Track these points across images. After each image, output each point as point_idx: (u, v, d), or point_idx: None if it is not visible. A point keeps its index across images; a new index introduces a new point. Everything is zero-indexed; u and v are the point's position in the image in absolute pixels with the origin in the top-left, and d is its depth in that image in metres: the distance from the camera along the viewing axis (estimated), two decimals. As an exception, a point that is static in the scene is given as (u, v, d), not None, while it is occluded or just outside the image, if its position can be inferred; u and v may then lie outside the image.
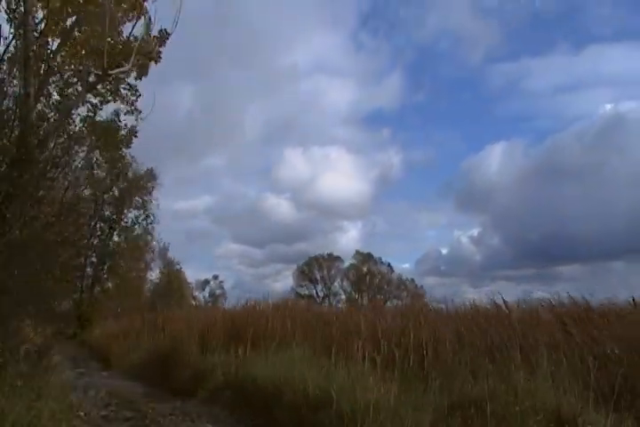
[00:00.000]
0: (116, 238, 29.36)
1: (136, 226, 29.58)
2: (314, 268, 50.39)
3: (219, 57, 66.60)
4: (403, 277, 49.13)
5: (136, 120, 10.84)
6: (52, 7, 8.42)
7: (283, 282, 53.28)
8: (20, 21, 7.67)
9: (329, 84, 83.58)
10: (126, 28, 9.40)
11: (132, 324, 14.98)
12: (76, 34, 9.34)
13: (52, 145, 7.32)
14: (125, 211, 29.28)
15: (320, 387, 5.15)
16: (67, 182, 8.16)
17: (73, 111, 9.41)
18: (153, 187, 29.27)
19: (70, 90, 10.00)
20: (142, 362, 10.32)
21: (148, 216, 29.46)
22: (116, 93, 10.46)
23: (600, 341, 5.13)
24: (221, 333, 9.03)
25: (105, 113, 11.38)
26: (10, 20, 8.36)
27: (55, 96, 9.74)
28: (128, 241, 29.05)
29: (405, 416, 4.27)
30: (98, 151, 13.01)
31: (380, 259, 49.90)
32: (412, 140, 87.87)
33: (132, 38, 8.96)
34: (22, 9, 7.58)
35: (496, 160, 70.20)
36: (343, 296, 49.55)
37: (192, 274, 45.41)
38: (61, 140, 7.87)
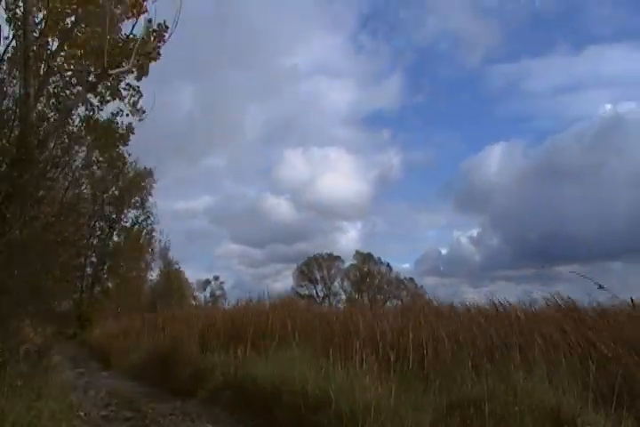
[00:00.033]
0: (115, 238, 29.42)
1: (136, 226, 29.61)
2: (313, 268, 50.41)
3: (219, 57, 66.67)
4: (402, 276, 49.20)
5: (139, 120, 10.84)
6: (52, 7, 8.42)
7: (283, 282, 53.23)
8: (20, 21, 7.68)
9: (329, 85, 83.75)
10: (126, 27, 9.40)
11: (132, 324, 14.98)
12: (76, 34, 9.35)
13: (51, 145, 7.32)
14: (125, 210, 29.32)
15: (319, 387, 5.15)
16: (67, 182, 8.17)
17: (73, 111, 9.42)
18: (152, 186, 29.30)
19: (70, 90, 10.00)
20: (142, 362, 10.32)
21: (148, 216, 29.51)
22: (115, 94, 10.46)
23: (599, 341, 5.14)
24: (221, 333, 9.04)
25: (105, 113, 11.39)
26: (10, 21, 8.37)
27: (55, 96, 9.74)
28: (128, 241, 29.05)
29: (405, 416, 4.28)
30: (97, 151, 13.00)
31: (380, 259, 50.00)
32: (411, 140, 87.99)
33: (131, 37, 8.95)
34: (22, 9, 7.59)
35: (495, 161, 70.33)
36: (343, 296, 49.61)
37: (192, 274, 45.45)
38: (61, 140, 7.88)
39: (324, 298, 49.37)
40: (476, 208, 67.61)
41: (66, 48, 9.51)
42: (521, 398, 4.19)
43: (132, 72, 9.77)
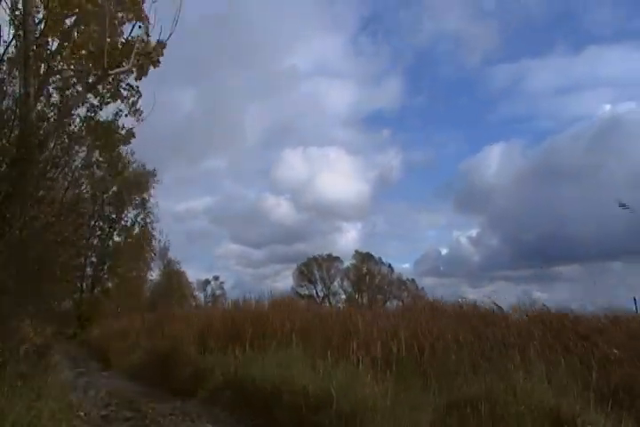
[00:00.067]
0: (116, 238, 29.42)
1: (136, 225, 29.61)
2: (313, 268, 50.41)
3: (219, 58, 66.66)
4: (403, 277, 49.19)
5: (137, 121, 10.84)
6: (52, 7, 8.42)
7: (282, 282, 53.26)
8: (20, 22, 7.68)
9: (329, 86, 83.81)
10: (126, 28, 9.41)
11: (132, 324, 14.98)
12: (76, 34, 9.35)
13: (51, 145, 7.32)
14: (125, 210, 29.32)
15: (319, 387, 5.16)
16: (66, 182, 8.16)
17: (73, 111, 9.42)
18: (152, 186, 29.30)
19: (70, 90, 10.00)
20: (142, 362, 10.32)
21: (147, 216, 29.49)
22: (115, 94, 10.45)
23: (599, 342, 5.14)
24: (221, 332, 9.03)
25: (105, 113, 11.38)
26: (10, 21, 8.36)
27: (55, 96, 9.74)
28: (128, 241, 29.04)
29: (403, 415, 4.28)
30: (98, 151, 13.01)
31: (381, 259, 49.98)
32: (411, 141, 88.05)
33: (131, 39, 8.96)
34: (22, 9, 7.59)
35: (494, 161, 70.39)
36: (343, 296, 49.63)
37: (192, 274, 45.43)
38: (61, 140, 7.87)
39: (323, 298, 49.37)
40: (475, 208, 67.75)
41: (66, 48, 9.51)
42: (520, 397, 4.20)
43: (132, 72, 9.78)
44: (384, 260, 49.97)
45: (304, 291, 49.65)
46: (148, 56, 8.95)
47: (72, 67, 9.79)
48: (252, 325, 8.48)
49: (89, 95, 10.06)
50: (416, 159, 77.83)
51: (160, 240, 30.73)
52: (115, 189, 28.24)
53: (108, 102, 10.70)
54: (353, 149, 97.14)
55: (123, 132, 11.83)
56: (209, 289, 46.80)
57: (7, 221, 6.19)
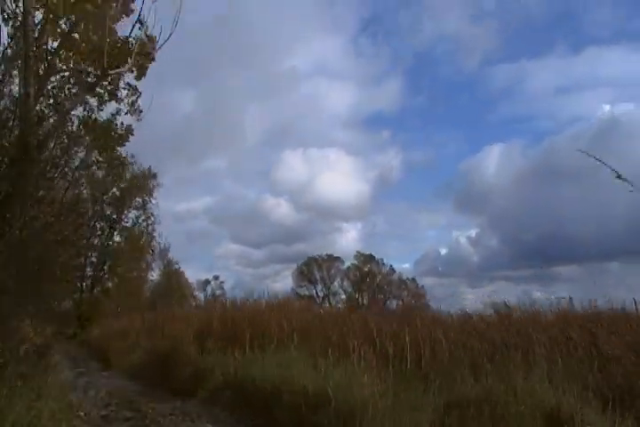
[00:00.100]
0: (116, 238, 29.42)
1: (136, 226, 29.62)
2: (313, 268, 50.41)
3: (219, 59, 66.68)
4: (404, 276, 49.19)
5: (137, 120, 10.82)
6: (51, 6, 8.42)
7: (282, 282, 53.28)
8: (21, 22, 7.68)
9: (329, 87, 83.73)
10: (125, 29, 9.40)
11: (132, 324, 14.98)
12: (75, 34, 9.34)
13: (51, 145, 7.33)
14: (125, 211, 29.32)
15: (319, 387, 5.16)
16: (66, 183, 8.17)
17: (72, 112, 9.42)
18: (153, 187, 29.30)
19: (70, 90, 9.99)
20: (142, 362, 10.32)
21: (148, 217, 29.51)
22: (114, 95, 10.44)
23: (599, 342, 5.14)
24: (220, 332, 9.04)
25: (105, 113, 11.37)
26: (10, 21, 8.37)
27: (54, 97, 9.73)
28: (128, 241, 29.05)
29: (403, 415, 4.28)
30: (97, 151, 13.00)
31: (382, 260, 49.99)
32: (411, 141, 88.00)
33: (130, 39, 8.95)
34: (22, 9, 7.59)
35: (494, 161, 70.31)
36: (343, 296, 49.64)
37: (192, 274, 45.55)
38: (60, 140, 7.88)
39: (323, 298, 49.36)
40: (474, 209, 67.69)
41: (65, 48, 9.50)
42: (521, 398, 4.19)
43: (132, 71, 9.77)
44: (385, 261, 50.08)
45: (304, 291, 49.70)
46: (148, 56, 8.95)
47: (71, 66, 9.79)
48: (252, 325, 8.48)
49: (88, 96, 10.05)
50: (416, 159, 77.93)
51: (160, 242, 30.83)
52: (115, 190, 28.28)
53: (107, 101, 10.69)
54: (353, 149, 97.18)
55: (120, 131, 11.81)
56: (209, 289, 46.83)
57: (7, 221, 6.19)
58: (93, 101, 10.59)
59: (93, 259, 28.35)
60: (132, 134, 11.88)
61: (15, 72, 7.38)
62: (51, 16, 8.34)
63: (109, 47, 7.99)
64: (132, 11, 8.76)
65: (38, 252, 6.44)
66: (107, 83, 9.90)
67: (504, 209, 57.74)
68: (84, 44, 9.20)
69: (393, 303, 44.89)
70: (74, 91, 9.83)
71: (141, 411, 6.57)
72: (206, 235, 64.79)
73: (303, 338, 7.33)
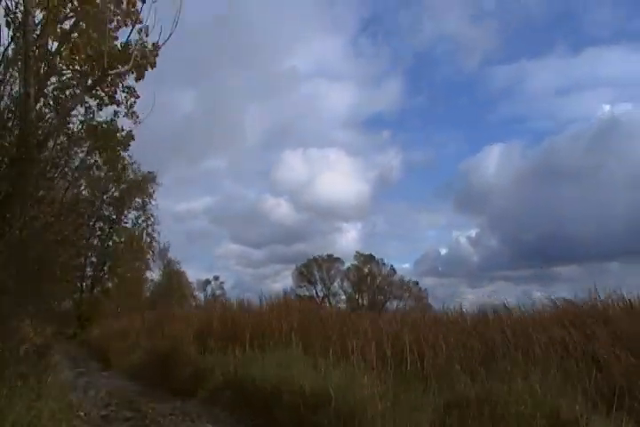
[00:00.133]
0: (116, 239, 29.41)
1: (136, 226, 29.64)
2: (313, 269, 50.40)
3: (219, 59, 66.66)
4: (405, 278, 49.15)
5: (134, 123, 10.80)
6: (51, 7, 8.42)
7: (282, 282, 53.40)
8: (21, 22, 7.68)
9: (329, 87, 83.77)
10: (125, 31, 9.40)
11: (132, 324, 14.98)
12: (75, 35, 9.34)
13: (51, 145, 7.33)
14: (125, 212, 29.33)
15: (319, 387, 5.16)
16: (66, 183, 8.17)
17: (72, 112, 9.41)
18: (153, 189, 29.32)
19: (69, 90, 9.99)
20: (142, 362, 10.32)
21: (148, 218, 29.53)
22: (113, 97, 10.41)
23: (599, 342, 5.14)
24: (220, 332, 9.04)
25: (105, 114, 11.36)
26: (9, 21, 8.36)
27: (54, 97, 9.73)
28: (128, 242, 29.05)
29: (403, 416, 4.28)
30: (97, 152, 13.00)
31: (382, 260, 49.97)
32: (411, 141, 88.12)
33: (130, 42, 8.95)
34: (22, 9, 7.58)
35: (494, 161, 70.31)
36: (343, 297, 49.63)
37: (192, 274, 45.50)
38: (60, 140, 7.88)
39: (323, 299, 49.34)
40: (474, 209, 67.73)
41: (65, 49, 9.50)
42: (520, 398, 4.19)
43: (132, 72, 9.76)
44: (385, 261, 50.05)
45: (304, 292, 49.69)
46: (147, 60, 8.95)
47: (71, 67, 9.79)
48: (251, 325, 8.48)
49: (88, 98, 10.04)
50: (416, 159, 77.93)
51: (159, 242, 30.84)
52: (115, 190, 28.30)
53: (107, 104, 10.67)
54: (353, 149, 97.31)
55: (122, 134, 11.80)
56: (209, 289, 46.83)
57: (7, 221, 6.19)
58: (93, 103, 10.58)
59: (93, 259, 28.38)
60: (133, 139, 11.89)
61: (15, 72, 7.37)
62: (51, 16, 8.34)
63: (109, 48, 7.99)
64: (136, 18, 8.76)
65: (38, 252, 6.44)
66: (106, 84, 9.88)
67: (504, 209, 57.79)
68: (84, 45, 9.19)
69: (393, 304, 44.98)
70: (74, 91, 9.83)
71: (141, 411, 6.57)
72: (206, 235, 64.87)
73: (303, 338, 7.33)
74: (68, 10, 8.83)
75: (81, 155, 10.78)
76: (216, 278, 47.41)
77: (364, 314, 8.74)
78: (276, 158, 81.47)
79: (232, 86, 67.59)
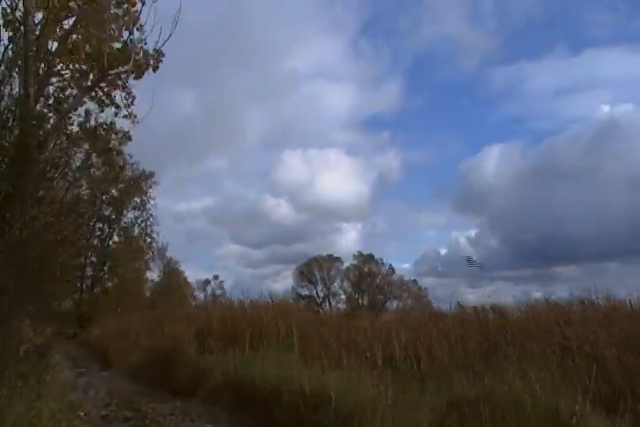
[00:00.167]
0: (115, 239, 29.45)
1: (135, 226, 29.67)
2: (313, 268, 50.40)
3: (219, 60, 66.69)
4: (405, 278, 49.15)
5: (132, 124, 10.79)
6: (52, 7, 8.42)
7: (282, 282, 53.33)
8: (20, 22, 7.68)
9: (329, 89, 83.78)
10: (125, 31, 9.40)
11: (132, 324, 14.97)
12: (75, 35, 9.34)
13: (51, 146, 7.33)
14: (125, 211, 29.36)
15: (318, 387, 5.16)
16: (66, 183, 8.18)
17: (71, 113, 9.41)
18: (150, 186, 29.34)
19: (69, 91, 9.99)
20: (142, 362, 10.32)
21: (147, 218, 29.55)
22: (112, 97, 10.40)
23: (599, 342, 5.14)
24: (220, 332, 9.04)
25: (105, 115, 11.35)
26: (9, 21, 8.36)
27: (54, 98, 9.73)
28: (128, 241, 29.07)
29: (402, 416, 4.28)
30: (97, 153, 13.01)
31: (382, 260, 49.99)
32: (411, 142, 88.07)
33: (130, 42, 8.96)
34: (22, 9, 7.59)
35: (493, 162, 70.23)
36: (343, 297, 49.65)
37: (192, 274, 45.59)
38: (60, 140, 7.88)
39: (323, 299, 49.42)
40: (474, 209, 67.62)
41: (65, 49, 9.49)
42: (520, 398, 4.20)
43: (133, 72, 9.76)
44: (384, 260, 50.07)
45: (304, 291, 49.74)
46: (147, 60, 8.96)
47: (71, 67, 9.78)
48: (251, 325, 8.48)
49: (87, 97, 10.04)
50: (416, 160, 78.04)
51: (158, 242, 30.87)
52: (114, 190, 28.34)
53: (107, 105, 10.66)
54: (353, 150, 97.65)
55: (119, 135, 11.80)
56: (209, 289, 46.86)
57: (7, 221, 6.19)
58: (93, 104, 10.58)
59: (93, 259, 28.40)
60: (130, 140, 11.89)
61: (15, 72, 7.37)
62: (51, 16, 8.34)
63: (109, 48, 8.00)
64: (136, 18, 8.77)
65: (38, 252, 6.44)
66: (105, 84, 9.88)
67: (504, 209, 57.74)
68: (83, 45, 9.19)
69: (393, 304, 45.00)
70: (74, 91, 9.83)
71: (141, 411, 6.57)
72: (206, 235, 64.88)
73: (303, 338, 7.34)
74: (68, 10, 8.82)
75: (80, 155, 10.79)
76: (216, 278, 47.50)
77: (363, 314, 8.72)
78: (276, 159, 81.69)
79: (232, 87, 67.61)
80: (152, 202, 29.37)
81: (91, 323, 22.87)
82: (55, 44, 9.12)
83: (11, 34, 8.22)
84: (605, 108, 65.17)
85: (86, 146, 11.04)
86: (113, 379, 10.02)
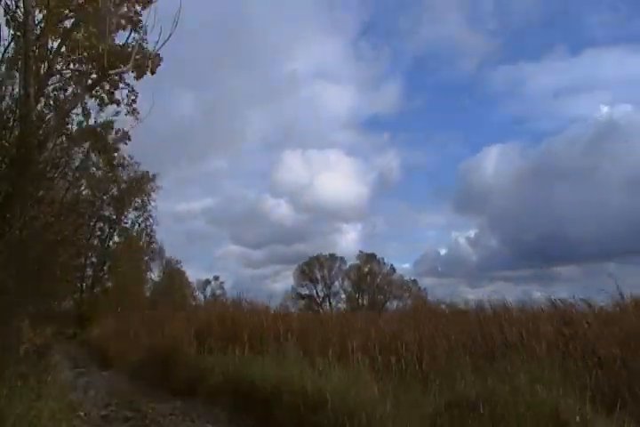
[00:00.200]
0: (116, 239, 29.49)
1: (135, 227, 29.71)
2: (314, 267, 50.41)
3: (219, 61, 66.70)
4: (405, 277, 49.17)
5: (135, 120, 10.80)
6: (52, 7, 8.42)
7: (282, 282, 53.41)
8: (21, 22, 7.69)
9: (329, 90, 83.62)
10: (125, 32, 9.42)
11: (132, 324, 14.97)
12: (75, 34, 9.35)
13: (51, 145, 7.33)
14: (125, 212, 29.38)
15: (318, 387, 5.16)
16: (66, 183, 8.17)
17: (72, 113, 9.43)
18: (152, 189, 29.36)
19: (69, 90, 10.00)
20: (142, 362, 10.32)
21: (147, 218, 29.59)
22: (112, 96, 10.42)
23: (599, 341, 5.14)
24: (220, 332, 9.04)
25: (105, 115, 11.35)
26: (10, 21, 8.37)
27: (54, 97, 9.74)
28: (128, 242, 29.10)
29: (403, 416, 4.28)
30: (96, 153, 13.03)
31: (383, 259, 50.00)
32: (410, 143, 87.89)
33: (130, 43, 8.98)
34: (22, 9, 7.59)
35: (493, 162, 70.14)
36: (343, 296, 49.67)
37: (193, 274, 45.55)
38: (60, 140, 7.89)
39: (324, 298, 49.45)
40: (474, 209, 67.70)
41: (66, 49, 9.50)
42: (521, 397, 4.19)
43: (133, 71, 9.77)
44: (385, 260, 50.08)
45: (304, 291, 49.76)
46: (147, 61, 8.97)
47: (71, 67, 9.80)
48: (251, 326, 8.49)
49: (87, 98, 10.05)
50: (415, 160, 78.18)
51: (159, 241, 30.91)
52: (115, 191, 28.37)
53: (107, 104, 10.67)
54: (353, 151, 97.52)
55: (119, 134, 11.84)
56: (209, 289, 46.86)
57: (7, 221, 6.20)
58: (93, 104, 10.59)
59: (93, 259, 28.43)
60: (130, 139, 11.92)
61: (15, 72, 7.38)
62: (51, 16, 8.35)
63: (110, 47, 8.00)
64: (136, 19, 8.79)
65: (38, 252, 6.44)
66: (106, 83, 9.89)
67: (503, 209, 57.79)
68: (84, 45, 9.20)
69: (393, 304, 45.00)
70: (74, 91, 9.84)
71: (141, 411, 6.57)
72: (206, 235, 64.86)
73: (303, 338, 7.34)
74: (69, 10, 8.83)
75: (80, 155, 10.79)
76: (216, 278, 47.47)
77: (363, 314, 8.73)
78: (276, 159, 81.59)
79: (232, 87, 67.61)
80: (153, 203, 29.46)
81: (91, 323, 22.86)
82: (55, 43, 9.14)
83: (12, 33, 8.23)
84: (605, 109, 65.15)
85: (87, 145, 11.02)
86: (113, 379, 10.02)
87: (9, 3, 8.30)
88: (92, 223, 27.02)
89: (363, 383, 4.94)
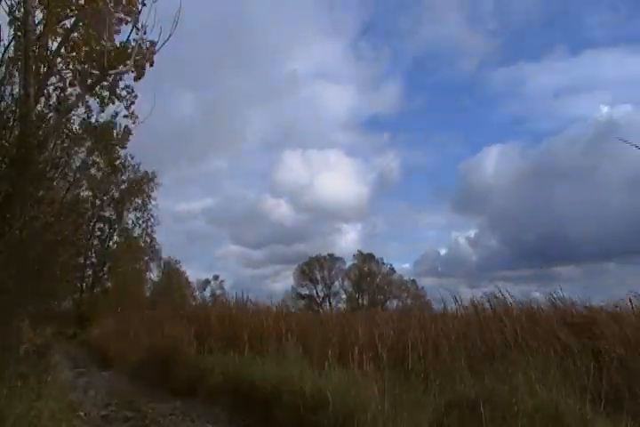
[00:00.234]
0: (116, 239, 29.49)
1: (136, 227, 29.72)
2: (314, 268, 50.42)
3: (219, 61, 66.75)
4: (404, 277, 49.19)
5: (133, 124, 10.78)
6: (52, 7, 8.42)
7: (282, 282, 53.50)
8: (21, 22, 7.68)
9: (329, 90, 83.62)
10: (125, 31, 9.40)
11: (132, 324, 14.98)
12: (76, 35, 9.34)
13: (51, 145, 7.33)
14: (125, 212, 29.39)
15: (318, 387, 5.16)
16: (67, 183, 8.18)
17: (72, 112, 9.41)
18: (152, 189, 29.37)
19: (70, 90, 9.98)
20: (142, 362, 10.32)
21: (148, 218, 29.60)
22: (113, 95, 10.40)
23: (599, 341, 5.14)
24: (220, 332, 9.04)
25: (106, 114, 11.34)
26: (10, 21, 8.36)
27: (55, 96, 9.73)
28: (128, 242, 29.11)
29: (403, 416, 4.28)
30: (97, 153, 13.01)
31: (382, 259, 50.01)
32: (410, 143, 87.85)
33: (130, 41, 8.96)
34: (22, 9, 7.59)
35: (493, 162, 70.14)
36: (344, 296, 49.68)
37: (193, 274, 45.61)
38: (61, 140, 7.88)
39: (324, 298, 49.46)
40: (473, 209, 67.67)
41: (66, 49, 9.49)
42: (520, 398, 4.19)
43: (133, 71, 9.76)
44: (385, 260, 50.10)
45: (304, 291, 49.78)
46: (145, 57, 8.95)
47: (71, 67, 9.78)
48: (251, 326, 8.49)
49: (88, 97, 10.03)
50: (415, 160, 78.21)
51: (158, 241, 30.93)
52: (115, 191, 28.39)
53: (108, 104, 10.65)
54: (352, 151, 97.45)
55: (119, 131, 11.76)
56: (209, 289, 46.88)
57: (7, 221, 6.19)
58: (94, 103, 10.57)
59: (93, 259, 28.44)
60: (131, 133, 11.85)
61: (15, 72, 7.37)
62: (51, 16, 8.34)
63: (109, 47, 8.00)
64: (136, 18, 8.77)
65: (38, 252, 6.44)
66: (107, 83, 9.88)
67: (503, 209, 57.79)
68: (84, 45, 9.20)
69: (393, 304, 45.01)
70: (74, 91, 9.83)
71: (141, 411, 6.57)
72: (206, 235, 64.91)
73: (303, 338, 7.34)
74: (69, 10, 8.83)
75: (81, 155, 10.79)
76: (216, 278, 47.50)
77: (363, 314, 8.73)
78: (276, 159, 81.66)
79: (232, 87, 67.68)
80: (153, 203, 29.47)
81: (91, 323, 22.86)
82: (55, 43, 9.13)
83: (12, 33, 8.22)
84: (605, 109, 65.10)
85: (88, 144, 11.01)
86: (113, 379, 10.02)
87: (12, 3, 8.30)
88: (92, 224, 27.03)
89: (363, 383, 4.94)
